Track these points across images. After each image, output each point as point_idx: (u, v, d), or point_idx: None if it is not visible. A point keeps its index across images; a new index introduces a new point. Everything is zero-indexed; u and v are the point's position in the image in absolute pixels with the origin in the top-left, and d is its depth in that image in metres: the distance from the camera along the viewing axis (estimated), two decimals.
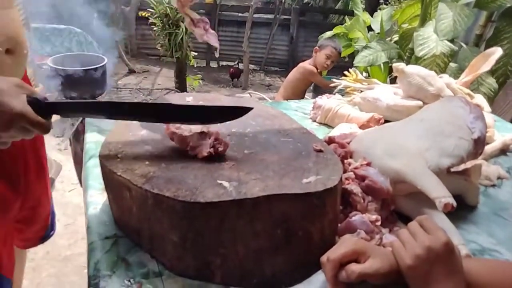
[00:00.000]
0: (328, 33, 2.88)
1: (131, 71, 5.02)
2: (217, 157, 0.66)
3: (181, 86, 4.04)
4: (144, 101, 0.71)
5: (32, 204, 0.94)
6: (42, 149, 0.95)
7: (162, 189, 0.57)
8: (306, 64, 2.88)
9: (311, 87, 3.33)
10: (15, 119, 0.56)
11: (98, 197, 0.74)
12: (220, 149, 0.66)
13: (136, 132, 0.73)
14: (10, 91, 0.56)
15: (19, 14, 0.77)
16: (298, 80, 2.94)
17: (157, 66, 5.36)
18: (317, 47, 2.81)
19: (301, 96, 3.09)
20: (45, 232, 1.06)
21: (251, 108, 0.72)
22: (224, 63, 5.85)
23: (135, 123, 0.76)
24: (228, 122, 0.81)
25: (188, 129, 0.72)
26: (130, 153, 0.65)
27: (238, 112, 0.71)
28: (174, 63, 3.93)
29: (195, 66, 5.06)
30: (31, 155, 0.90)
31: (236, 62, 5.36)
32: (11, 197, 0.83)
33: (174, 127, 0.68)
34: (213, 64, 5.93)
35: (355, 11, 2.97)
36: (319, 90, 3.19)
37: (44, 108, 0.59)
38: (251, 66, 5.58)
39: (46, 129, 0.59)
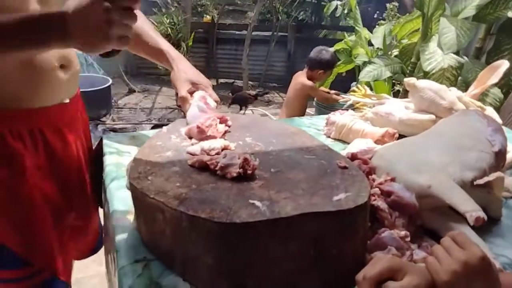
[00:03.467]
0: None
1: (131, 91, 5.05)
2: (245, 176, 0.66)
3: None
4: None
5: (85, 215, 0.99)
6: (94, 165, 1.01)
7: (197, 211, 0.56)
8: (304, 80, 2.90)
9: (314, 102, 3.36)
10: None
11: (125, 220, 0.73)
12: (249, 172, 0.66)
13: (162, 153, 0.73)
14: None
15: None
16: (300, 97, 2.96)
17: (157, 85, 5.40)
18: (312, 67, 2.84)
19: (304, 111, 3.11)
20: (95, 244, 1.08)
21: None
22: (223, 80, 5.90)
23: (159, 144, 0.77)
24: (249, 141, 0.83)
25: (209, 147, 0.73)
26: (160, 175, 0.65)
27: None
28: None
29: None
30: (86, 169, 0.95)
31: (232, 82, 5.40)
32: (65, 206, 0.89)
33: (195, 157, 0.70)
34: (212, 82, 5.98)
35: (356, 28, 3.03)
36: (322, 104, 3.21)
37: None
38: (250, 83, 5.63)
39: None
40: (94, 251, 1.10)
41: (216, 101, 0.92)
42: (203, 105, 0.87)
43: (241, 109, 4.24)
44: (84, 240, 1.05)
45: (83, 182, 0.96)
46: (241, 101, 4.17)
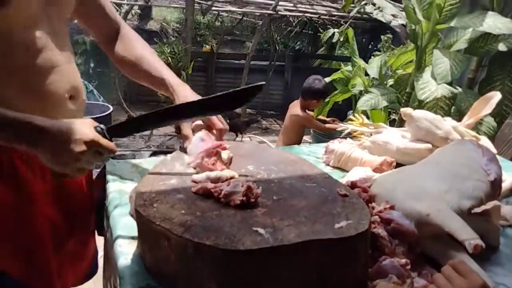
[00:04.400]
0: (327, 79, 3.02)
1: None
2: (248, 204, 0.68)
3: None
4: (166, 107, 0.86)
5: (84, 240, 1.00)
6: (94, 190, 1.03)
7: (202, 238, 0.58)
8: (299, 111, 2.96)
9: (311, 130, 3.40)
10: (89, 144, 0.69)
11: (128, 247, 0.74)
12: (252, 200, 0.68)
13: (166, 181, 0.75)
14: (83, 125, 0.72)
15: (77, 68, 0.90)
16: (296, 127, 3.02)
17: None
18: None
19: (301, 139, 3.15)
20: (90, 269, 1.08)
21: (263, 85, 0.81)
22: None
23: (164, 171, 0.78)
24: (252, 168, 0.84)
25: (215, 176, 0.75)
26: (165, 202, 0.67)
27: (253, 91, 0.81)
28: None
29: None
30: (86, 194, 0.96)
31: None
32: (67, 232, 0.90)
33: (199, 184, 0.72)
34: None
35: (354, 58, 3.12)
36: (320, 133, 3.26)
37: (106, 134, 0.74)
38: (248, 110, 5.70)
39: (113, 150, 0.73)
40: (88, 277, 1.09)
41: (223, 130, 0.91)
42: (203, 137, 0.87)
43: (237, 136, 4.30)
44: (80, 265, 1.04)
45: (85, 208, 0.97)
46: (235, 128, 4.25)
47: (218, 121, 0.90)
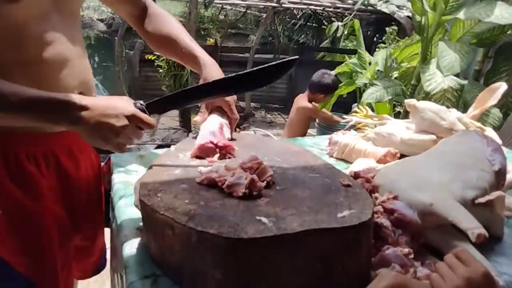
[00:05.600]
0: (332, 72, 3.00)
1: None
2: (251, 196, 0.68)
3: (186, 125, 4.12)
4: (200, 84, 0.89)
5: (91, 235, 1.00)
6: (102, 184, 1.03)
7: (205, 227, 0.58)
8: (306, 103, 2.96)
9: (316, 123, 3.40)
10: (130, 118, 0.70)
11: (132, 237, 0.75)
12: (255, 192, 0.68)
13: (170, 171, 0.75)
14: (123, 101, 0.73)
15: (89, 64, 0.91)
16: (302, 119, 3.02)
17: None
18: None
19: (305, 132, 3.15)
20: (98, 264, 1.09)
21: (297, 59, 0.79)
22: None
23: (169, 163, 0.79)
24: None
25: (217, 168, 0.75)
26: (169, 192, 0.67)
27: (286, 66, 0.79)
28: None
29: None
30: (93, 189, 0.97)
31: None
32: (73, 226, 0.91)
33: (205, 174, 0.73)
34: None
35: (359, 50, 3.09)
36: (324, 125, 3.25)
37: (145, 110, 0.75)
38: (252, 104, 5.70)
39: (152, 125, 0.74)
40: (97, 271, 1.11)
41: (234, 118, 0.94)
42: (215, 130, 0.88)
43: (234, 130, 4.33)
44: (88, 260, 1.06)
45: (91, 202, 0.97)
46: None
47: (235, 110, 0.93)
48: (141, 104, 0.75)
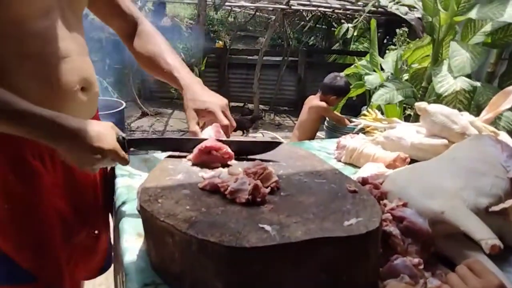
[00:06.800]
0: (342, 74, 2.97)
1: (144, 114, 5.13)
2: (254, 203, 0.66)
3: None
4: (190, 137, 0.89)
5: (96, 233, 1.01)
6: (109, 184, 1.03)
7: (206, 234, 0.56)
8: (319, 102, 2.94)
9: (324, 126, 3.37)
10: (109, 153, 0.72)
11: (134, 243, 0.73)
12: (259, 199, 0.66)
13: (172, 176, 0.74)
14: (107, 132, 0.74)
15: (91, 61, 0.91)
16: (313, 120, 2.99)
17: (169, 108, 5.48)
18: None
19: (315, 134, 3.12)
20: (104, 263, 1.08)
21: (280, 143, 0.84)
22: (235, 104, 5.96)
23: (171, 167, 0.77)
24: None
25: (219, 174, 0.73)
26: (170, 198, 0.66)
27: (269, 146, 0.85)
28: None
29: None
30: (99, 189, 0.97)
31: (243, 104, 5.49)
32: (77, 224, 0.92)
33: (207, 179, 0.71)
34: None
35: (372, 51, 3.05)
36: (333, 128, 3.22)
37: (125, 144, 0.77)
38: (261, 106, 5.68)
39: (127, 162, 0.77)
40: (102, 270, 1.10)
41: (228, 126, 0.91)
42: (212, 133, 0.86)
43: (243, 133, 4.35)
44: (93, 259, 1.05)
45: (97, 201, 0.98)
46: (240, 126, 4.32)
47: (224, 117, 0.90)
48: (123, 138, 0.77)
